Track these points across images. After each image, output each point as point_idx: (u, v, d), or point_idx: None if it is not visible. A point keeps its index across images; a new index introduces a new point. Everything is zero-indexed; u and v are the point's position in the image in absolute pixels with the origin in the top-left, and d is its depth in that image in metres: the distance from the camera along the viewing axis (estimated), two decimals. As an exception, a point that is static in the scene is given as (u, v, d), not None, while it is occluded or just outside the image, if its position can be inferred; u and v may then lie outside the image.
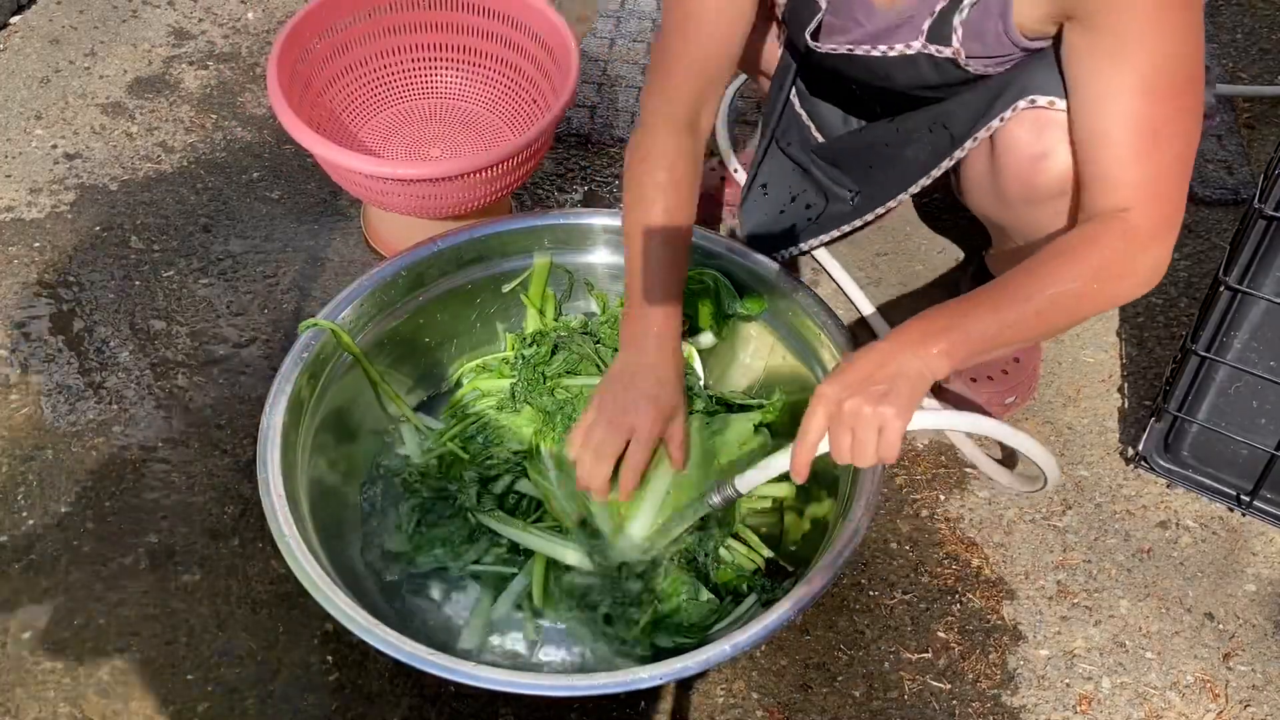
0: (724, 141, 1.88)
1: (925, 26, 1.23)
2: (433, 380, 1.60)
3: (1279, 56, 2.21)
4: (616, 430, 1.26)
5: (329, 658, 1.39)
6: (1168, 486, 1.59)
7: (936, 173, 1.37)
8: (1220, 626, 1.46)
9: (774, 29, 1.56)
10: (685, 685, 1.38)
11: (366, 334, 1.47)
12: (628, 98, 2.12)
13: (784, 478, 1.20)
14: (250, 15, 2.25)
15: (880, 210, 1.51)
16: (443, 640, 1.36)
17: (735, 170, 1.84)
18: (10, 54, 2.15)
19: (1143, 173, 1.13)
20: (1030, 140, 1.24)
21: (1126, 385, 1.70)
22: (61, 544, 1.48)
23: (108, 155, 1.97)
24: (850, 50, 1.32)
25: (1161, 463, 1.55)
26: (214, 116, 2.05)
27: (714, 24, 1.31)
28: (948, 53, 1.24)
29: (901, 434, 1.09)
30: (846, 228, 1.55)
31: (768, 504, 1.47)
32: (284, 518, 1.25)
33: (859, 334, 1.71)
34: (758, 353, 1.55)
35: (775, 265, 1.49)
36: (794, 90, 1.58)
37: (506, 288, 1.57)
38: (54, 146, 1.98)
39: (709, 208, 1.87)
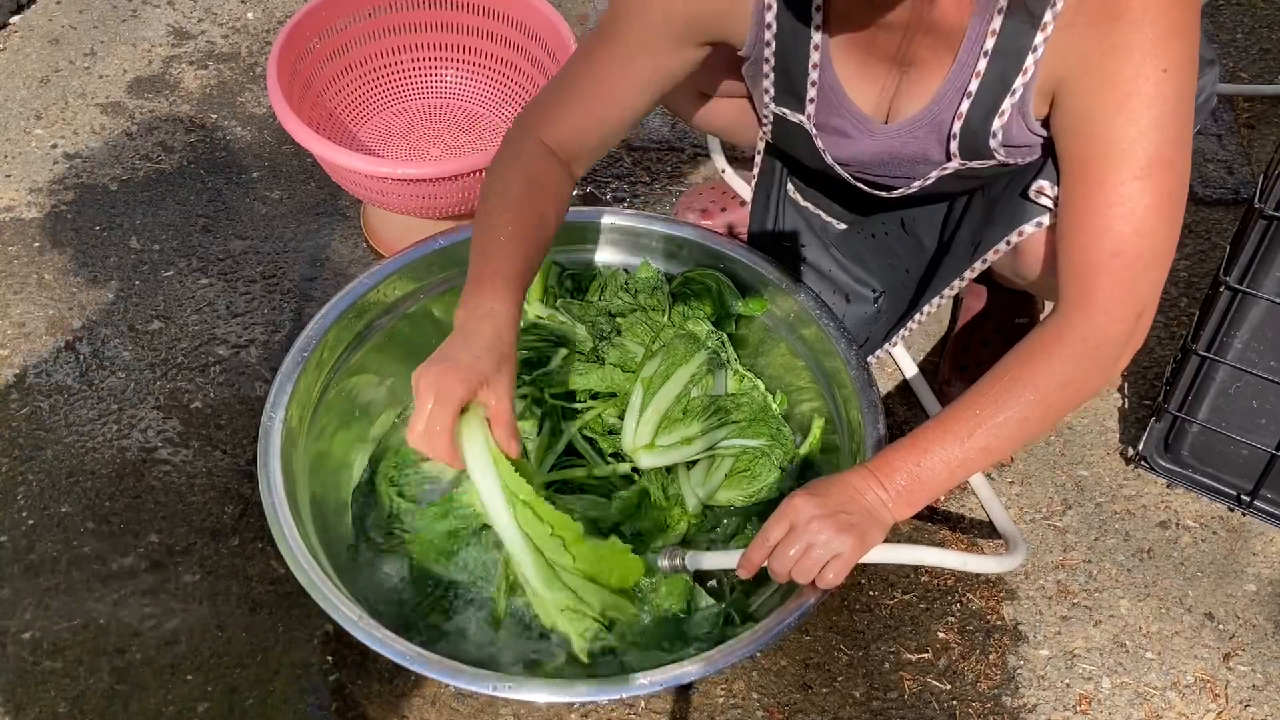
0: (719, 159, 1.87)
1: (953, 146, 1.20)
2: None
3: (1279, 56, 2.21)
4: (424, 397, 1.12)
5: (329, 658, 1.40)
6: (1168, 486, 1.59)
7: (969, 275, 1.35)
8: (1220, 626, 1.46)
9: (754, 118, 1.47)
10: (685, 685, 1.38)
11: (369, 330, 1.47)
12: (628, 98, 2.12)
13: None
14: (250, 15, 2.25)
15: (911, 324, 1.48)
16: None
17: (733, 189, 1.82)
18: (10, 54, 2.15)
19: (1122, 271, 1.10)
20: (1042, 244, 1.25)
21: (1126, 385, 1.70)
22: (61, 544, 1.48)
23: (108, 155, 1.97)
24: (876, 192, 1.31)
25: (1162, 463, 1.55)
26: (214, 116, 2.05)
27: (605, 104, 1.25)
28: (988, 165, 1.22)
29: (850, 568, 1.13)
30: (880, 353, 1.53)
31: (775, 496, 1.47)
32: (284, 518, 1.25)
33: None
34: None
35: (777, 266, 1.49)
36: (788, 189, 1.53)
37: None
38: (54, 146, 1.98)
39: None
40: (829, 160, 1.31)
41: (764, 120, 1.32)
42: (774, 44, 1.21)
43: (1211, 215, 1.92)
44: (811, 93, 1.23)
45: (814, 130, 1.27)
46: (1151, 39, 1.03)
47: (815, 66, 1.21)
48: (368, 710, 1.36)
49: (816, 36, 1.18)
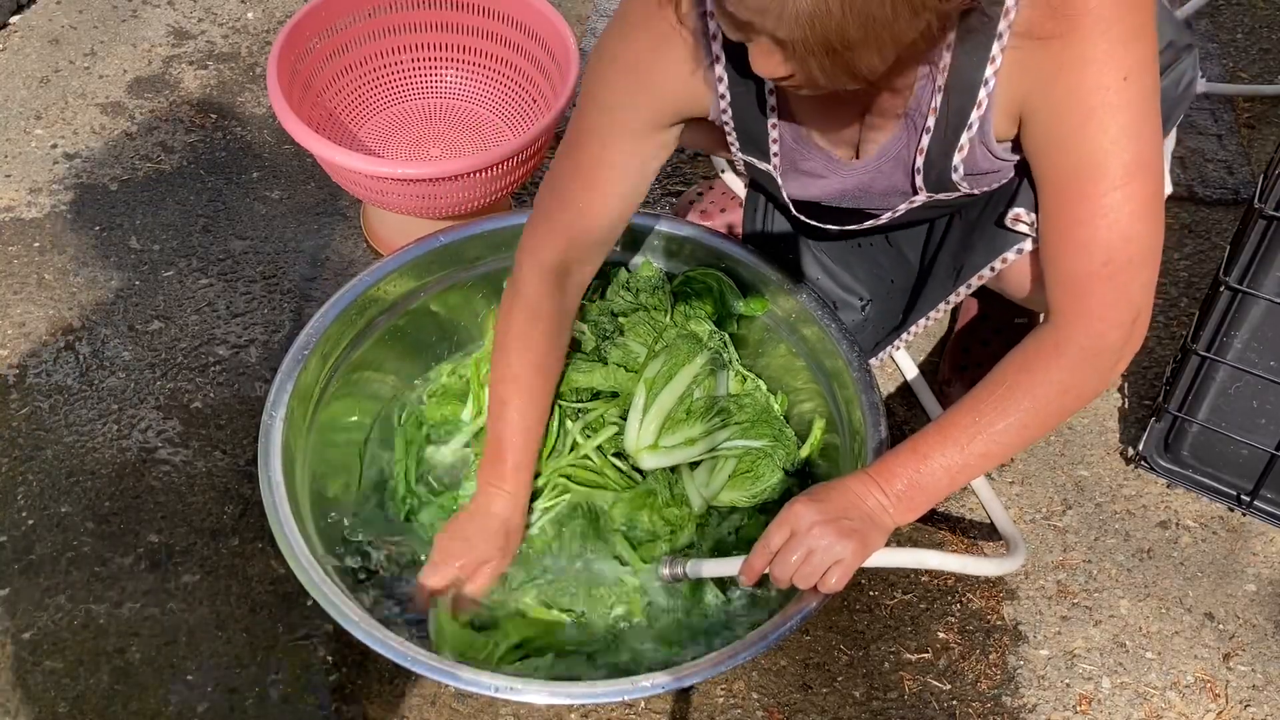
0: (718, 159, 1.87)
1: (918, 180, 1.20)
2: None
3: (1279, 56, 2.21)
4: (436, 555, 1.33)
5: (329, 658, 1.39)
6: (1168, 486, 1.59)
7: (954, 299, 1.36)
8: (1220, 626, 1.46)
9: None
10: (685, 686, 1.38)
11: (369, 328, 1.47)
12: (628, 98, 2.12)
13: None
14: (250, 15, 2.25)
15: (898, 342, 1.48)
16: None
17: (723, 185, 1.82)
18: (10, 54, 2.15)
19: (1109, 279, 1.10)
20: (1026, 266, 1.25)
21: (1126, 385, 1.70)
22: (61, 544, 1.48)
23: (108, 155, 1.97)
24: (842, 227, 1.32)
25: (1161, 463, 1.55)
26: (214, 116, 2.05)
27: (592, 204, 1.27)
28: (955, 196, 1.22)
29: (851, 573, 1.14)
30: (875, 362, 1.52)
31: (778, 497, 1.47)
32: (284, 518, 1.25)
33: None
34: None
35: (778, 265, 1.49)
36: (772, 208, 1.54)
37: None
38: (54, 146, 1.98)
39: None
40: (794, 212, 1.32)
41: (737, 161, 1.33)
42: (730, 111, 1.21)
43: (1211, 215, 1.92)
44: (774, 148, 1.24)
45: (780, 180, 1.28)
46: (1106, 50, 1.02)
47: (774, 126, 1.22)
48: (368, 710, 1.36)
49: (771, 100, 1.19)
